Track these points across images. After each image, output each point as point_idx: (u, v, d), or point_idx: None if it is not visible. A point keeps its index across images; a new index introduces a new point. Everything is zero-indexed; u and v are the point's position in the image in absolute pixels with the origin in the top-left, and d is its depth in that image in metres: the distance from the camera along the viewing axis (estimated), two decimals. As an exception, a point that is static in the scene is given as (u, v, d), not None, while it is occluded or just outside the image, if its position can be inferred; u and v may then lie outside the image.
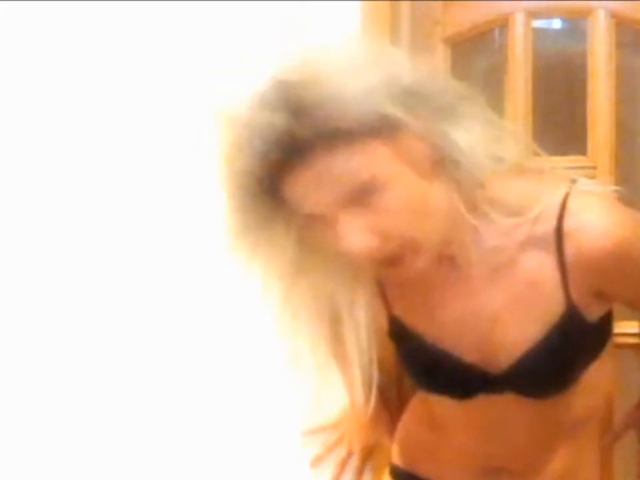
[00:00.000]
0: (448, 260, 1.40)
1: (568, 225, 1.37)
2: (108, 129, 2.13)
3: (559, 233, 1.38)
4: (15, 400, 2.25)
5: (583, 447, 1.62)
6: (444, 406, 1.60)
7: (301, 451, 2.12)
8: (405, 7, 2.07)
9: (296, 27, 1.95)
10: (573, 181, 1.43)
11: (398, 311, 1.53)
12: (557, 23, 2.33)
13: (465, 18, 2.11)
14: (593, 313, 1.45)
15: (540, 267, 1.41)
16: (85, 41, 2.10)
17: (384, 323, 1.55)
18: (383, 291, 1.52)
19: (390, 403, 1.98)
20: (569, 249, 1.38)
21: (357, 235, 1.26)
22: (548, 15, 2.22)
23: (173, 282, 2.16)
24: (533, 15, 2.11)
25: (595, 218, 1.37)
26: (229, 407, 2.19)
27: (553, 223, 1.38)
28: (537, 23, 2.15)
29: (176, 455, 2.21)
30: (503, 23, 2.12)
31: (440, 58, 2.11)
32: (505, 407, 1.51)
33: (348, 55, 1.26)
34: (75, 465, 2.24)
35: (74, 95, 2.13)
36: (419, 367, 1.55)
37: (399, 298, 1.51)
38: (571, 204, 1.38)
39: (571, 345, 1.44)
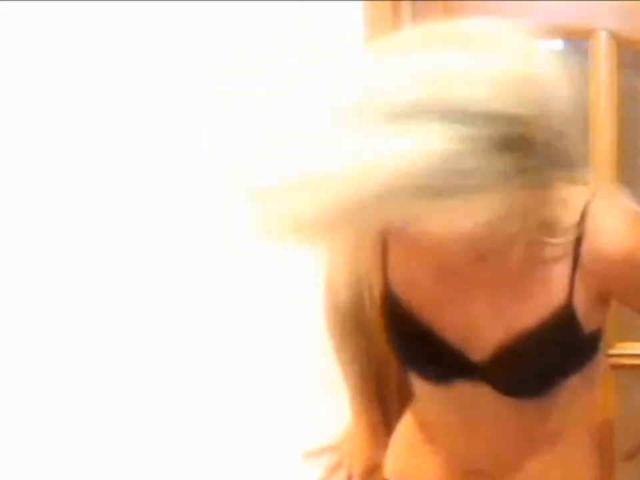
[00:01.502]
0: None
1: (588, 225, 1.36)
2: (107, 129, 2.12)
3: (578, 231, 1.37)
4: (14, 400, 2.22)
5: (566, 458, 1.58)
6: (430, 405, 1.59)
7: (301, 472, 2.08)
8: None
9: (296, 27, 1.96)
10: (599, 187, 1.43)
11: (395, 283, 1.49)
12: (558, 44, 2.33)
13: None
14: (587, 321, 1.42)
15: (552, 260, 1.39)
16: (85, 41, 2.09)
17: (377, 297, 1.52)
18: (384, 262, 1.49)
19: (390, 427, 1.95)
20: (586, 249, 1.37)
21: None
22: (550, 36, 2.23)
23: (173, 293, 2.15)
24: (534, 36, 2.11)
25: (616, 222, 1.37)
26: (230, 428, 2.17)
27: (574, 220, 1.37)
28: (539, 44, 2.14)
29: (172, 472, 2.19)
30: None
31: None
32: (484, 406, 1.49)
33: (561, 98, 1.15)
34: (75, 465, 2.21)
35: (74, 95, 2.11)
36: (404, 345, 1.52)
37: (400, 269, 1.48)
38: (594, 206, 1.37)
39: (554, 346, 1.42)
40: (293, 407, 2.13)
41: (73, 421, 2.21)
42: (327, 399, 2.06)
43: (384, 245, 1.48)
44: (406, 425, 1.74)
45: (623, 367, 2.06)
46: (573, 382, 1.46)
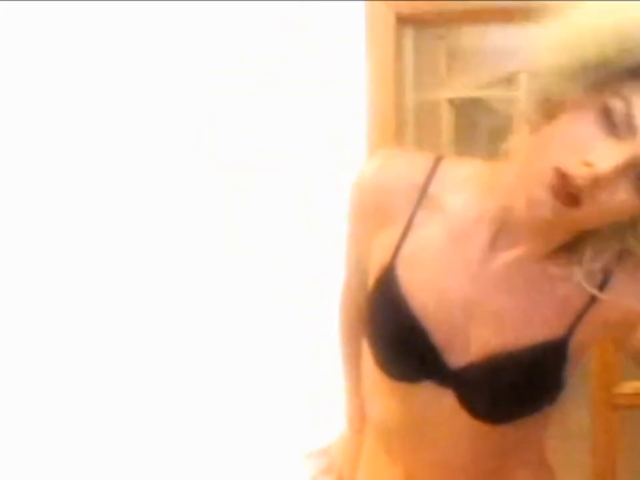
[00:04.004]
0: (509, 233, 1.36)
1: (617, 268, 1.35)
2: (108, 129, 2.12)
3: (606, 272, 1.35)
4: (15, 400, 2.23)
5: None
6: (387, 403, 1.52)
7: (301, 472, 2.08)
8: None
9: (296, 27, 1.96)
10: None
11: (402, 265, 1.45)
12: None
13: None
14: (570, 363, 1.40)
15: (571, 290, 1.37)
16: (85, 41, 2.09)
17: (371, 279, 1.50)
18: (400, 241, 1.46)
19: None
20: (609, 290, 1.34)
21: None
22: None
23: (173, 293, 2.15)
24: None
25: None
26: (229, 427, 2.17)
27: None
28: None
29: (172, 471, 2.20)
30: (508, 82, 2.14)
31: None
32: (439, 413, 1.43)
33: None
34: (75, 465, 2.21)
35: (75, 95, 2.12)
36: (383, 334, 1.46)
37: (418, 252, 1.44)
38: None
39: (531, 375, 1.39)
40: (293, 408, 2.13)
41: (71, 421, 2.21)
42: (327, 399, 2.07)
43: (409, 223, 1.45)
44: (369, 442, 1.72)
45: (626, 406, 2.08)
46: (529, 422, 1.44)
